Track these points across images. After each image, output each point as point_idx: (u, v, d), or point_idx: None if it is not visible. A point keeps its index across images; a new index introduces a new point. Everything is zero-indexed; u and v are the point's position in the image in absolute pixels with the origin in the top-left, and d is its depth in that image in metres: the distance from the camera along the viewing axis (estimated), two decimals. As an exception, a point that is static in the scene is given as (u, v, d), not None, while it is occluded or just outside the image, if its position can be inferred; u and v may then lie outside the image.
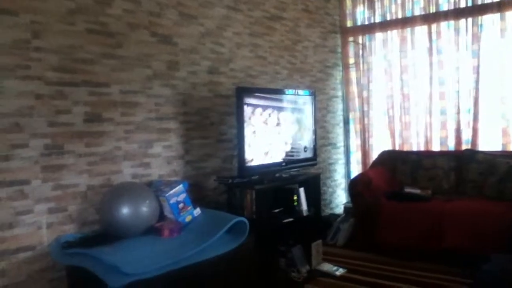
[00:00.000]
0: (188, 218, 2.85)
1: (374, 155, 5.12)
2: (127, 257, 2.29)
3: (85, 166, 2.72)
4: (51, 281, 2.54)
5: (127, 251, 2.38)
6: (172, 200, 2.79)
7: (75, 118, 2.67)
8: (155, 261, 2.32)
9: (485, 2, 4.43)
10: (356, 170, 5.36)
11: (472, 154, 4.24)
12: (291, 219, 3.54)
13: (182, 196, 2.85)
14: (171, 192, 2.81)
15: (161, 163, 3.22)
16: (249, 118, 3.36)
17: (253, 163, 3.40)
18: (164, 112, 3.24)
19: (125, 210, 2.54)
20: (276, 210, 3.56)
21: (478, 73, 4.48)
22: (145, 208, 2.63)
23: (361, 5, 5.26)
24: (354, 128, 5.42)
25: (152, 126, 3.15)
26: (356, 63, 5.32)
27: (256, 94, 3.50)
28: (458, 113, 4.63)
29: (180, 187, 2.87)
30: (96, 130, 2.79)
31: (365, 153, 5.29)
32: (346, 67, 5.38)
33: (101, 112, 2.82)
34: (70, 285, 2.52)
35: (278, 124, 3.66)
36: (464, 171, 4.20)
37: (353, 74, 5.37)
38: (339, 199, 5.41)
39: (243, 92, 3.35)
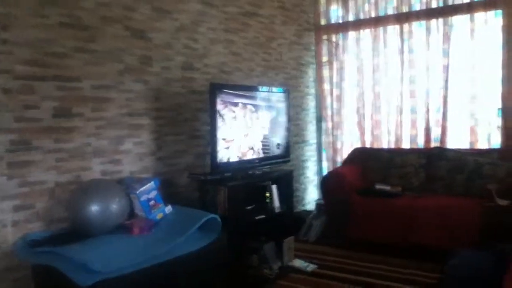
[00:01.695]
0: (159, 216, 2.82)
1: (345, 153, 5.17)
2: (96, 255, 2.26)
3: (54, 162, 2.66)
4: (16, 281, 2.48)
5: (96, 249, 2.34)
6: (143, 198, 2.76)
7: (44, 113, 2.61)
8: (125, 258, 2.30)
9: (456, 3, 4.52)
10: (328, 167, 5.41)
11: (441, 152, 4.33)
12: (263, 216, 3.55)
13: (153, 194, 2.82)
14: (142, 189, 2.78)
15: (133, 160, 3.17)
16: (223, 115, 3.34)
17: (226, 160, 3.39)
18: (136, 107, 3.20)
19: (94, 208, 2.50)
20: (249, 207, 3.57)
21: (447, 72, 4.57)
22: (115, 206, 2.59)
23: (335, 4, 5.29)
24: (326, 125, 5.45)
25: (124, 122, 3.10)
26: (329, 61, 5.35)
27: (230, 90, 3.48)
28: (428, 111, 4.72)
29: (151, 184, 2.84)
30: (66, 126, 2.73)
31: (336, 151, 5.33)
32: (319, 65, 5.41)
33: (71, 107, 2.75)
34: (37, 285, 2.47)
35: (251, 121, 3.66)
36: (433, 169, 4.28)
37: (326, 72, 5.39)
38: (311, 195, 5.46)
39: (217, 88, 3.33)
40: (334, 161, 5.34)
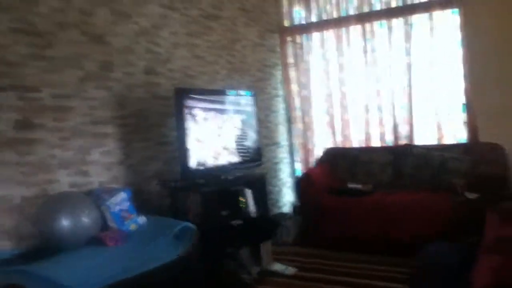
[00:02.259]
0: (133, 227, 2.71)
1: (317, 153, 5.18)
2: (69, 270, 2.14)
3: (19, 176, 2.51)
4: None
5: (68, 264, 2.22)
6: (114, 209, 2.65)
7: (4, 125, 2.45)
8: (99, 272, 2.18)
9: (414, 2, 4.61)
10: (301, 168, 5.40)
11: (407, 149, 4.40)
12: (239, 221, 3.48)
13: (125, 204, 2.72)
14: (112, 200, 2.67)
15: (101, 170, 3.04)
16: (190, 120, 3.26)
17: (196, 166, 3.31)
18: (100, 115, 3.07)
19: (64, 222, 2.36)
20: (223, 213, 3.49)
21: (410, 70, 4.65)
22: (85, 219, 2.46)
23: (297, 5, 5.31)
24: (296, 126, 5.44)
25: (88, 131, 2.97)
26: (296, 63, 5.35)
27: (196, 95, 3.40)
28: (394, 109, 4.78)
29: (121, 195, 2.73)
30: (28, 138, 2.57)
31: (308, 151, 5.33)
32: (285, 66, 5.41)
33: (32, 118, 2.61)
34: (5, 307, 2.32)
35: (220, 125, 3.59)
36: (401, 165, 4.34)
37: (292, 74, 5.39)
38: (286, 197, 5.42)
39: (182, 93, 3.25)
40: (307, 162, 5.33)
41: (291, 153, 5.54)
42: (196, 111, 3.33)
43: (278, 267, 3.67)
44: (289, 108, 5.47)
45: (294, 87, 5.39)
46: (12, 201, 2.47)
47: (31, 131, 2.60)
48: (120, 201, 2.70)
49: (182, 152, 3.22)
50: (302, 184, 4.28)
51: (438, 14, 4.51)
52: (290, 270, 3.62)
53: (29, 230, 2.52)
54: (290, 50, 5.40)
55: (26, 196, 2.54)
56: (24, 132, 2.56)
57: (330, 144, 5.15)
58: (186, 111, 3.22)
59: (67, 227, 2.37)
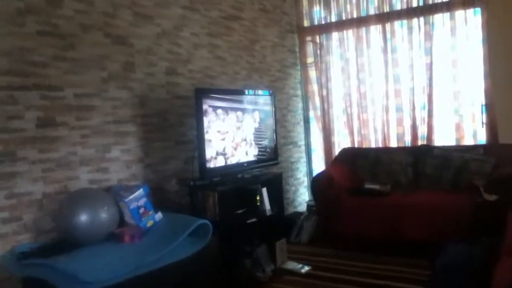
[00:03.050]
0: (150, 223, 2.79)
1: (335, 153, 5.19)
2: (87, 265, 2.22)
3: (40, 173, 2.61)
4: (7, 294, 2.43)
5: (86, 259, 2.31)
6: (132, 205, 2.73)
7: (28, 123, 2.56)
8: (116, 268, 2.26)
9: (436, 1, 4.56)
10: (317, 168, 5.41)
11: (428, 149, 4.37)
12: (254, 219, 3.53)
13: (143, 201, 2.79)
14: (131, 197, 2.75)
15: (120, 168, 3.14)
16: (209, 120, 3.32)
17: (214, 165, 3.37)
18: (121, 115, 3.16)
19: (83, 217, 2.46)
20: (240, 211, 3.54)
21: (431, 70, 4.61)
22: (104, 215, 2.55)
23: (317, 5, 5.31)
24: (315, 126, 5.46)
25: (109, 129, 3.07)
26: (315, 62, 5.37)
27: (216, 95, 3.46)
28: (413, 109, 4.75)
29: (140, 192, 2.81)
30: (50, 136, 2.68)
31: (326, 151, 5.34)
32: (304, 66, 5.43)
33: (54, 117, 2.71)
34: (27, 298, 2.42)
35: (238, 125, 3.65)
36: (420, 166, 4.31)
37: (312, 73, 5.41)
38: (302, 197, 5.45)
39: (202, 93, 3.31)
40: (325, 161, 5.34)
41: (308, 152, 5.56)
42: (215, 111, 3.39)
43: (292, 265, 3.70)
44: (307, 108, 5.48)
45: (313, 87, 5.41)
46: (33, 197, 2.58)
47: (54, 129, 2.71)
48: (138, 198, 2.77)
49: (200, 151, 3.28)
50: (320, 183, 4.28)
51: (460, 13, 4.45)
52: (305, 269, 3.64)
53: (48, 225, 2.63)
54: (309, 50, 5.41)
55: (47, 192, 2.65)
56: (46, 130, 2.66)
57: (347, 144, 5.15)
58: (205, 110, 3.28)
59: (86, 222, 2.46)
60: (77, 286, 2.08)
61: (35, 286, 2.29)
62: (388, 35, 4.84)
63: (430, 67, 4.61)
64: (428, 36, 4.61)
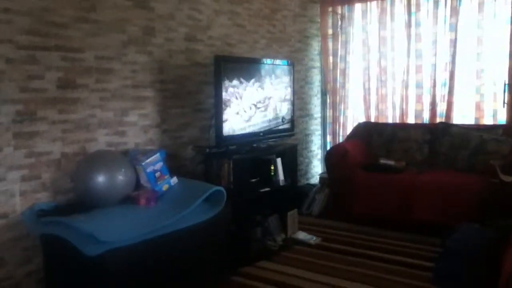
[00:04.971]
0: (165, 187, 2.83)
1: (350, 127, 5.16)
2: (103, 225, 2.27)
3: (59, 133, 2.65)
4: (25, 250, 2.50)
5: (103, 219, 2.36)
6: (149, 169, 2.76)
7: (48, 84, 2.58)
8: (132, 229, 2.31)
9: (465, -25, 4.43)
10: (332, 141, 5.40)
11: (446, 127, 4.32)
12: (267, 189, 3.56)
13: (159, 165, 2.83)
14: (148, 161, 2.78)
15: (137, 132, 3.16)
16: (227, 88, 3.32)
17: (230, 133, 3.38)
18: (140, 79, 3.17)
19: (100, 179, 2.50)
20: (253, 180, 3.57)
21: (455, 46, 4.51)
22: (121, 177, 2.59)
23: (341, -25, 5.19)
24: (331, 99, 5.42)
25: (128, 93, 3.08)
26: (335, 34, 5.27)
27: (235, 63, 3.44)
28: (434, 86, 4.67)
29: (156, 156, 2.84)
30: (70, 97, 2.71)
31: (341, 125, 5.31)
32: (324, 37, 5.33)
33: (75, 78, 2.73)
34: (45, 254, 2.50)
35: (256, 94, 3.63)
36: (437, 144, 4.27)
37: (331, 45, 5.32)
38: (315, 169, 5.47)
39: (221, 61, 3.29)
40: (338, 135, 5.32)
41: (323, 125, 5.54)
42: (233, 79, 3.37)
43: (303, 236, 3.75)
44: (324, 80, 5.43)
45: (331, 59, 5.33)
46: (52, 157, 2.62)
47: (74, 90, 2.73)
48: (154, 162, 2.80)
49: (217, 119, 3.28)
50: (334, 157, 4.28)
51: (489, -11, 4.32)
52: (314, 240, 3.69)
53: (66, 185, 2.68)
54: (330, 21, 5.31)
55: (65, 152, 2.69)
56: (66, 91, 2.68)
57: (363, 119, 5.11)
58: (224, 78, 3.27)
59: (103, 184, 2.51)
60: (92, 245, 2.13)
61: (53, 244, 2.37)
62: (413, 9, 4.72)
63: (454, 43, 4.51)
64: (454, 11, 4.48)
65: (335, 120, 5.36)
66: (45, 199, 2.59)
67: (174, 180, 2.90)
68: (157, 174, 2.79)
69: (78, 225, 2.24)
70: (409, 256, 3.34)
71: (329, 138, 5.49)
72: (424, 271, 3.07)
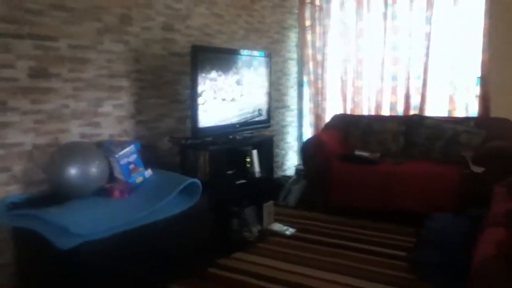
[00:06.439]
0: (139, 180, 2.80)
1: (327, 119, 5.19)
2: (76, 218, 2.25)
3: (31, 124, 2.59)
4: (-4, 243, 2.46)
5: (76, 212, 2.33)
6: (123, 161, 2.73)
7: (20, 73, 2.52)
8: (106, 222, 2.29)
9: (440, -32, 4.47)
10: (308, 133, 5.43)
11: (420, 119, 4.38)
12: (244, 181, 3.56)
13: (133, 157, 2.80)
14: (122, 152, 2.75)
15: (112, 123, 3.12)
16: (204, 78, 3.29)
17: (207, 124, 3.36)
18: (116, 69, 3.12)
19: (73, 171, 2.47)
20: (230, 172, 3.57)
21: (429, 39, 4.57)
22: (94, 169, 2.56)
23: (319, -34, 5.18)
24: (308, 91, 5.43)
25: (103, 83, 3.03)
26: (312, 26, 5.28)
27: (212, 53, 3.41)
28: (408, 79, 4.73)
29: (131, 148, 2.81)
30: (43, 87, 2.65)
31: (317, 116, 5.34)
32: (302, 29, 5.33)
33: (47, 68, 2.67)
34: (16, 247, 2.46)
35: (232, 85, 3.61)
36: (413, 135, 4.34)
37: (309, 37, 5.33)
38: (291, 161, 5.49)
39: (199, 51, 3.25)
40: (315, 127, 5.35)
41: (300, 117, 5.56)
42: (211, 70, 3.34)
43: (278, 227, 3.78)
44: (302, 72, 5.44)
45: (309, 51, 5.34)
46: (24, 148, 2.57)
47: (46, 80, 2.67)
48: (128, 154, 2.77)
49: (193, 110, 3.26)
50: (310, 148, 4.31)
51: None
52: (290, 231, 3.72)
53: (38, 177, 2.63)
54: (308, 12, 5.30)
55: (38, 144, 2.63)
56: (39, 80, 2.62)
57: (340, 110, 5.15)
58: (201, 69, 3.24)
59: (76, 176, 2.47)
60: (65, 238, 2.10)
61: (25, 237, 2.33)
62: (390, 1, 4.75)
63: (428, 36, 4.56)
64: (430, 4, 4.53)
65: (312, 111, 5.38)
66: (16, 191, 2.54)
67: (148, 172, 2.88)
68: (131, 166, 2.77)
69: (50, 218, 2.21)
70: (385, 246, 3.39)
71: (305, 130, 5.52)
72: (401, 261, 3.11)
